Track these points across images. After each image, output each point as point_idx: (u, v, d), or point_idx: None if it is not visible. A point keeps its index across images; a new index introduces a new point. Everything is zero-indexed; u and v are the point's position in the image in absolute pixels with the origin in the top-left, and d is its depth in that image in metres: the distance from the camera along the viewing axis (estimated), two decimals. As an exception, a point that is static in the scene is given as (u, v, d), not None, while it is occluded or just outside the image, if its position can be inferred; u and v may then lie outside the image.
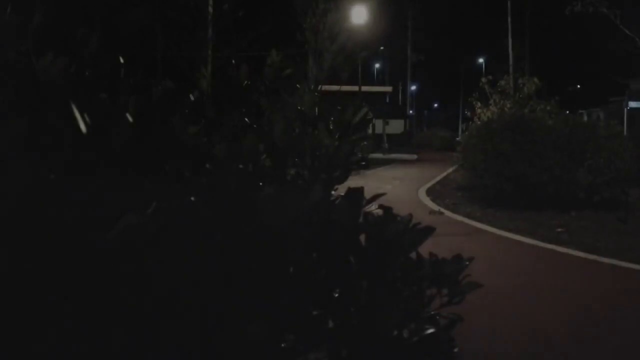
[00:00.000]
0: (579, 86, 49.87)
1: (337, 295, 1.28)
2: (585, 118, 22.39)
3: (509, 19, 25.17)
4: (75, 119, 1.15)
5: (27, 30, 1.28)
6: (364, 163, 1.69)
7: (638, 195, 11.21)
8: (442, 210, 11.25)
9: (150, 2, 19.15)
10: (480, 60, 49.31)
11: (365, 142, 1.67)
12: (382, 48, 46.96)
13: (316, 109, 1.74)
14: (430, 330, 1.32)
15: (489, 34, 38.20)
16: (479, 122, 17.54)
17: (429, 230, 1.35)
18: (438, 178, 17.93)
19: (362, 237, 1.33)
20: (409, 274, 1.34)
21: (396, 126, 42.24)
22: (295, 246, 1.20)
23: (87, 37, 1.37)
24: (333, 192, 1.55)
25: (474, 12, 42.22)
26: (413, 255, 1.36)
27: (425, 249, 1.36)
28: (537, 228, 9.14)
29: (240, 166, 1.36)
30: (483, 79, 22.08)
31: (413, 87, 53.31)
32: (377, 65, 53.71)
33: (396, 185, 15.60)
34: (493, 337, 4.48)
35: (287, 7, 23.46)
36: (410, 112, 53.27)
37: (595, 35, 25.48)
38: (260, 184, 1.41)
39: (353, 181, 1.48)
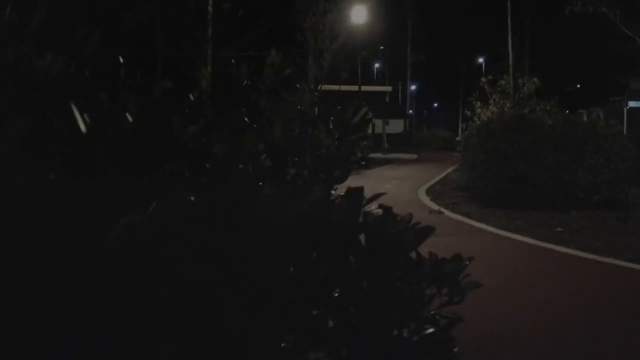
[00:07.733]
0: (579, 86, 49.84)
1: (337, 295, 1.28)
2: (585, 118, 22.38)
3: (509, 19, 25.16)
4: (75, 119, 1.15)
5: (27, 30, 1.28)
6: (363, 163, 1.70)
7: (638, 195, 11.20)
8: (442, 209, 11.25)
9: (150, 1, 19.15)
10: (480, 60, 49.33)
11: (365, 142, 1.67)
12: (382, 48, 46.98)
13: (316, 108, 1.74)
14: (430, 330, 1.33)
15: (489, 34, 38.19)
16: (478, 122, 17.55)
17: (428, 230, 1.35)
18: (438, 178, 17.92)
19: (362, 237, 1.33)
20: (409, 273, 1.34)
21: (396, 126, 42.27)
22: (295, 246, 1.20)
23: (87, 37, 1.36)
24: (333, 192, 1.55)
25: (474, 12, 42.25)
26: (413, 255, 1.36)
27: (425, 248, 1.36)
28: (537, 227, 9.14)
29: (240, 166, 1.36)
30: (483, 79, 22.08)
31: (413, 87, 53.35)
32: (377, 65, 53.66)
33: (396, 185, 15.59)
34: (489, 335, 4.48)
35: (287, 7, 23.50)
36: (410, 112, 53.31)
37: (595, 35, 25.49)
38: (260, 184, 1.40)
39: (353, 181, 1.48)
